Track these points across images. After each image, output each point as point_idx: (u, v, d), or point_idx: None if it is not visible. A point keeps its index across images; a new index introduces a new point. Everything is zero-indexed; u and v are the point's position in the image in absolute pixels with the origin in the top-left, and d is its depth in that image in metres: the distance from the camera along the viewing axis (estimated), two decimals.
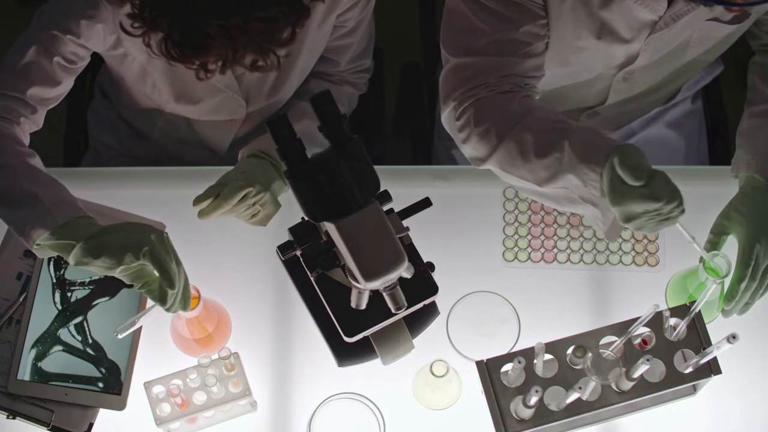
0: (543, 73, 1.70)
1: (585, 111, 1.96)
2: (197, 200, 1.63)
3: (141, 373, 1.69)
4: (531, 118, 1.60)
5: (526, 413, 1.51)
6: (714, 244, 1.67)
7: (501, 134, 1.60)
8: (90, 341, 1.71)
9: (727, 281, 1.60)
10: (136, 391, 1.68)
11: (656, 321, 1.55)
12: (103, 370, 1.70)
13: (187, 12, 1.36)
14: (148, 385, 1.61)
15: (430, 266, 1.56)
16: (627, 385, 1.53)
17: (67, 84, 1.68)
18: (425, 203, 1.53)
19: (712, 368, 1.54)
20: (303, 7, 1.43)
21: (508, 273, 1.79)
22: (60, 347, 1.71)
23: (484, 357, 1.56)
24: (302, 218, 1.47)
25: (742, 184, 1.71)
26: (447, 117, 1.68)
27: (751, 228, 1.64)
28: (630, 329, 1.49)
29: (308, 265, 1.49)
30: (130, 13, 1.41)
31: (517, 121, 1.60)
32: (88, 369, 1.69)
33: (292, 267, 1.62)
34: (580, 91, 1.90)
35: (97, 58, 1.73)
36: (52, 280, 1.74)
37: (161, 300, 1.47)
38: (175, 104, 1.84)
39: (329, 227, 1.40)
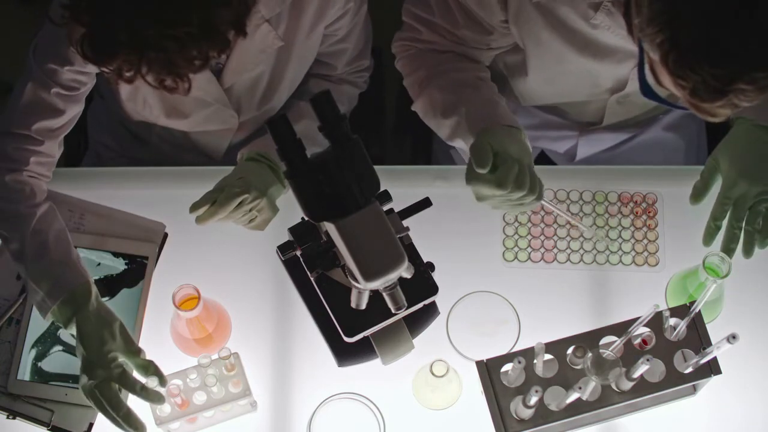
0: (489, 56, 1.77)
1: (588, 126, 1.97)
2: (194, 207, 1.64)
3: None
4: (443, 78, 1.70)
5: (526, 413, 1.51)
6: (705, 182, 1.73)
7: (420, 88, 1.73)
8: None
9: (728, 281, 1.59)
10: None
11: (656, 321, 1.55)
12: None
13: (106, 14, 1.36)
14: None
15: (430, 266, 1.56)
16: (627, 385, 1.52)
17: (73, 110, 1.71)
18: (425, 203, 1.53)
19: (712, 368, 1.54)
20: (218, 35, 1.41)
21: (508, 273, 1.79)
22: (60, 347, 1.71)
23: (484, 357, 1.56)
24: (302, 218, 1.47)
25: (733, 126, 1.77)
26: (393, 49, 1.81)
27: (734, 162, 1.70)
28: (630, 329, 1.49)
29: (308, 265, 1.49)
30: (62, 3, 1.41)
31: (432, 78, 1.70)
32: None
33: (292, 267, 1.62)
34: (576, 108, 1.93)
35: None
36: None
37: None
38: (166, 119, 1.85)
39: (329, 227, 1.39)
